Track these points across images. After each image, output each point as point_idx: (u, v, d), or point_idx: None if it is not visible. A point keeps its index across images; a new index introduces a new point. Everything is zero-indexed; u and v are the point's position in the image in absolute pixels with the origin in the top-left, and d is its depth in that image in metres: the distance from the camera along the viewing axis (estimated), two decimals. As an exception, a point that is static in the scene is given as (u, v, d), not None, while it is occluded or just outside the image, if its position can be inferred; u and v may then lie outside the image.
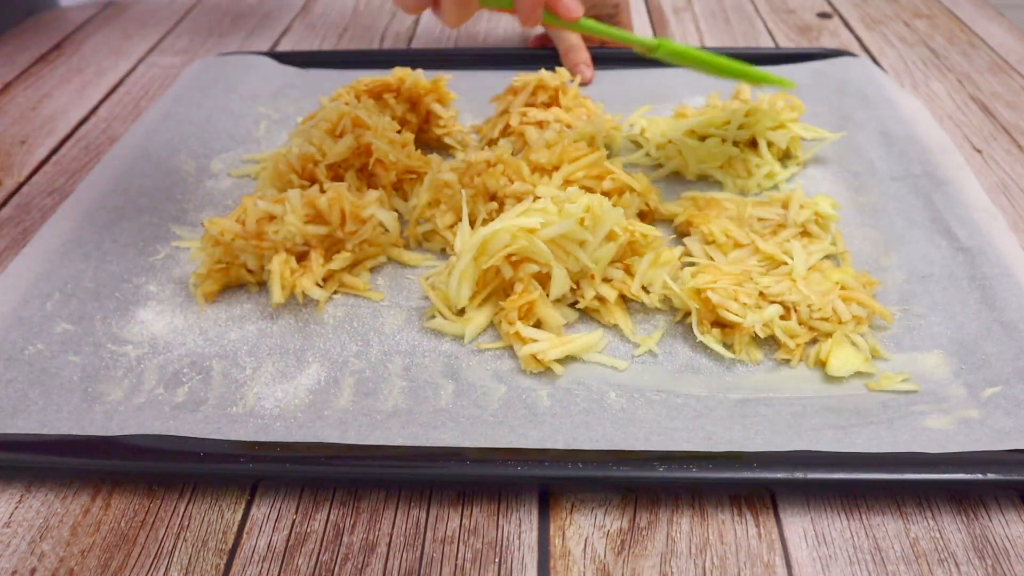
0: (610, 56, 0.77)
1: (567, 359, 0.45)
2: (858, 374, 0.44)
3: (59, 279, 0.51)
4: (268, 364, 0.46)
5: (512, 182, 0.53)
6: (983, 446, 0.38)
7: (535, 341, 0.45)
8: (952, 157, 0.60)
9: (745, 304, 0.45)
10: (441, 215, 0.54)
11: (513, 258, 0.47)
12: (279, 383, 0.44)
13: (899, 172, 0.59)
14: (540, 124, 0.63)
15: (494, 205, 0.53)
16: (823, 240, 0.52)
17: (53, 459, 0.40)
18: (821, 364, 0.44)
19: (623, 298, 0.49)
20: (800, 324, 0.45)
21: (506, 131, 0.64)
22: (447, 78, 0.66)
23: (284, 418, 0.42)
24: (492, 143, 0.65)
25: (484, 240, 0.46)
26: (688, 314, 0.47)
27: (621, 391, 0.43)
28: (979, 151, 0.66)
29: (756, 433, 0.40)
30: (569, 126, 0.63)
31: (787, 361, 0.45)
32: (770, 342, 0.46)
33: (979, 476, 0.37)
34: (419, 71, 0.66)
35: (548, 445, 0.39)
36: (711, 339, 0.46)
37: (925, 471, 0.37)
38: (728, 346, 0.46)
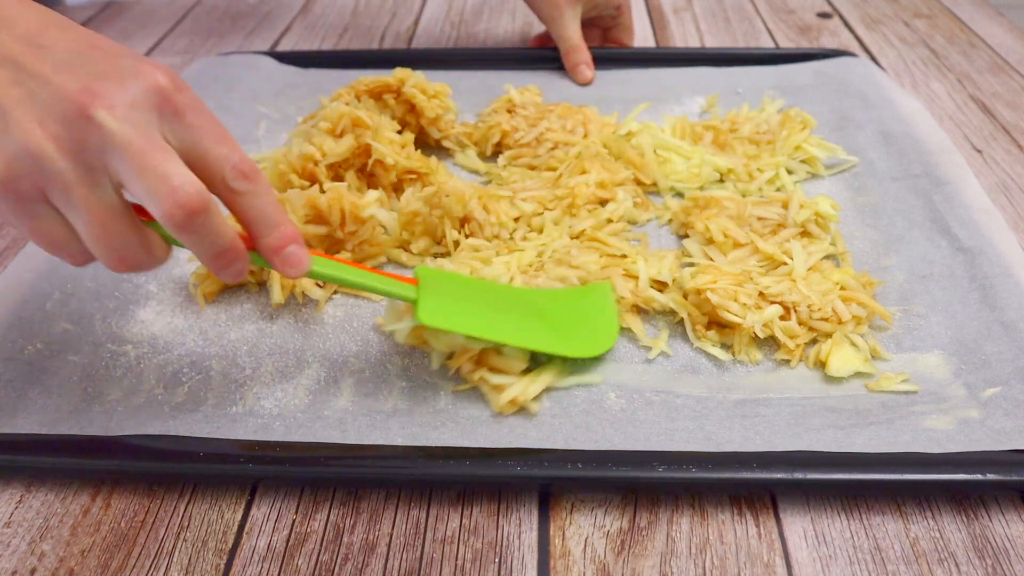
0: (611, 57, 0.77)
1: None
2: (858, 374, 0.44)
3: (59, 279, 0.51)
4: (268, 364, 0.46)
5: (488, 212, 0.53)
6: (983, 446, 0.38)
7: (508, 386, 0.42)
8: (952, 157, 0.60)
9: (745, 304, 0.45)
10: (415, 242, 0.53)
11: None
12: (279, 383, 0.44)
13: (899, 172, 0.59)
14: (537, 141, 0.63)
15: (466, 230, 0.53)
16: (823, 240, 0.52)
17: (53, 459, 0.40)
18: (821, 364, 0.44)
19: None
20: (800, 324, 0.45)
21: (500, 144, 0.64)
22: (449, 90, 0.66)
23: (284, 418, 0.42)
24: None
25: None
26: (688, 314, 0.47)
27: (621, 392, 0.43)
28: (979, 151, 0.66)
29: (756, 434, 0.40)
30: (561, 144, 0.62)
31: (787, 361, 0.45)
32: (770, 343, 0.46)
33: (979, 476, 0.37)
34: (420, 74, 0.66)
35: (548, 445, 0.39)
36: (708, 343, 0.46)
37: (925, 471, 0.37)
38: (727, 347, 0.46)
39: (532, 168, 0.62)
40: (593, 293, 0.48)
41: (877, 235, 0.54)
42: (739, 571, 0.36)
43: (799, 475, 0.37)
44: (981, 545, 0.37)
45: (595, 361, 0.45)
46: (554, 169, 0.61)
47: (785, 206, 0.53)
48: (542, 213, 0.56)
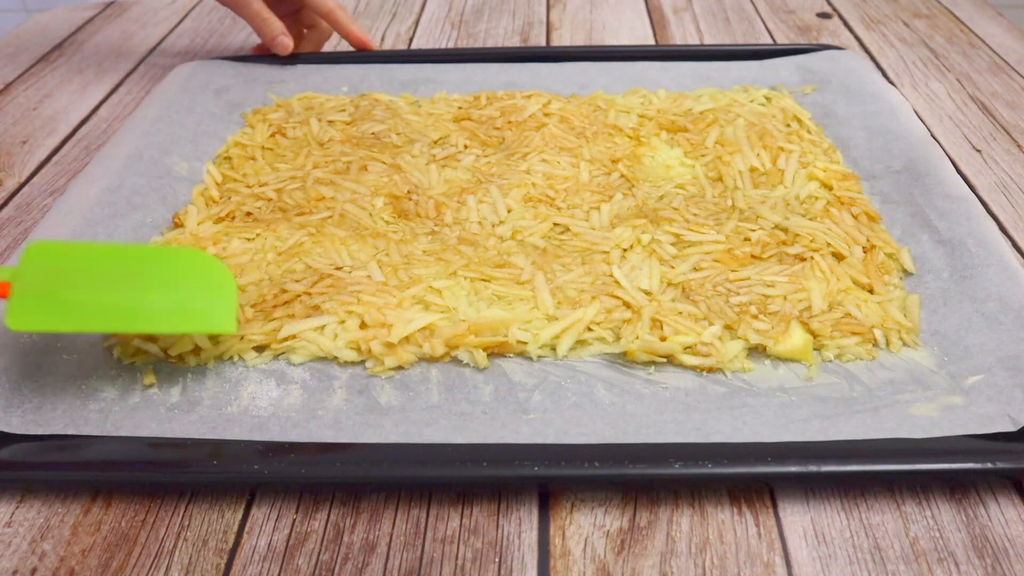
0: (610, 54, 0.77)
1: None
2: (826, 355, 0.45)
3: None
4: (261, 362, 0.46)
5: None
6: (968, 430, 0.39)
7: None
8: (931, 149, 0.60)
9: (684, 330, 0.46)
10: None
11: None
12: (273, 382, 0.44)
13: (880, 167, 0.60)
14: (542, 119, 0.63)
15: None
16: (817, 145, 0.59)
17: (47, 473, 0.40)
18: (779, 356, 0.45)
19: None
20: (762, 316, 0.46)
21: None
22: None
23: (279, 417, 0.42)
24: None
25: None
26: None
27: (610, 386, 0.44)
28: (979, 151, 0.66)
29: (744, 424, 0.40)
30: (565, 120, 0.63)
31: (763, 349, 0.45)
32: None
33: (975, 464, 0.38)
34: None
35: (539, 440, 0.40)
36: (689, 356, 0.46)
37: (914, 460, 0.38)
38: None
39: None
40: (202, 264, 0.46)
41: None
42: (739, 571, 0.36)
43: (795, 468, 0.37)
44: (981, 545, 0.37)
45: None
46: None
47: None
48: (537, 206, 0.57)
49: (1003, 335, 0.44)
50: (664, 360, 0.45)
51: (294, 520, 0.38)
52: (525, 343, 0.45)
